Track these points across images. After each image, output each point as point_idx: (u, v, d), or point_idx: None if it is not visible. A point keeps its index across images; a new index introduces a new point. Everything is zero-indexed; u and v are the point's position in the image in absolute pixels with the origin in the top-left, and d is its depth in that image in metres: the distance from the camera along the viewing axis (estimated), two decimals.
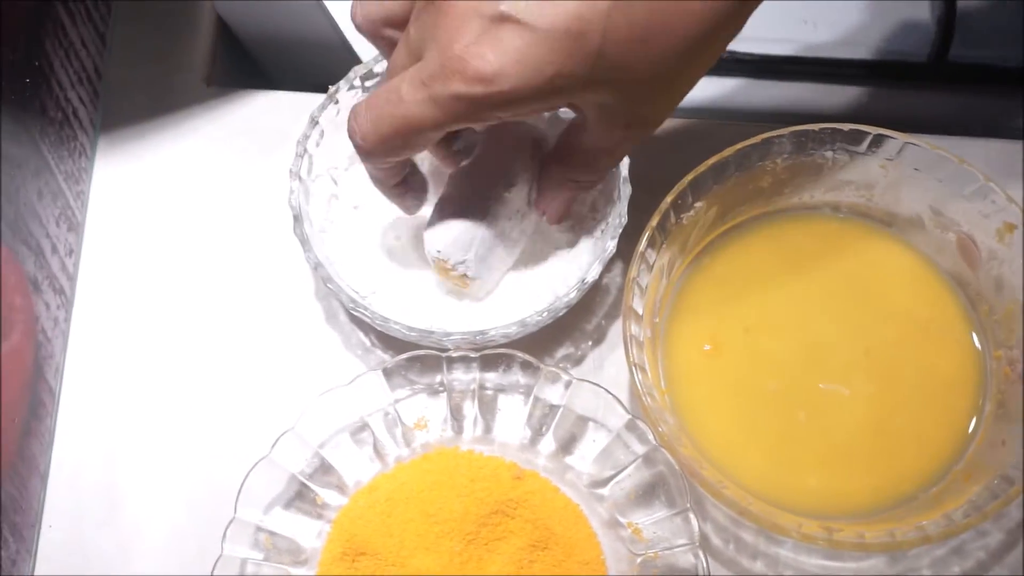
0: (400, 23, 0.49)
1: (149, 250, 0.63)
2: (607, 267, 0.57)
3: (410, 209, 0.57)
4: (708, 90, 0.65)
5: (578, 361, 0.60)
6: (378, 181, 0.54)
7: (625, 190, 0.56)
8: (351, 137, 0.49)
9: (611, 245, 0.55)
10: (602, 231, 0.58)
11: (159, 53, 0.66)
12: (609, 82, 0.45)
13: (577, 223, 0.59)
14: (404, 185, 0.55)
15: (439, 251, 0.55)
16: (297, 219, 0.56)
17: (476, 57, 0.44)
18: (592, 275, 0.55)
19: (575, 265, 0.58)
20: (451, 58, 0.44)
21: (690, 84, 0.47)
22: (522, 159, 0.55)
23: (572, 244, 0.59)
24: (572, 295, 0.55)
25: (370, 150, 0.49)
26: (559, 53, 0.44)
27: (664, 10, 0.43)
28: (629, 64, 0.44)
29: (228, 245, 0.63)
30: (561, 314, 0.56)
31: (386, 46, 0.50)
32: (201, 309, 0.62)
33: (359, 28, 0.50)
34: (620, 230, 0.56)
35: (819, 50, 0.65)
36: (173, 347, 0.61)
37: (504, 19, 0.43)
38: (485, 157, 0.55)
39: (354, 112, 0.49)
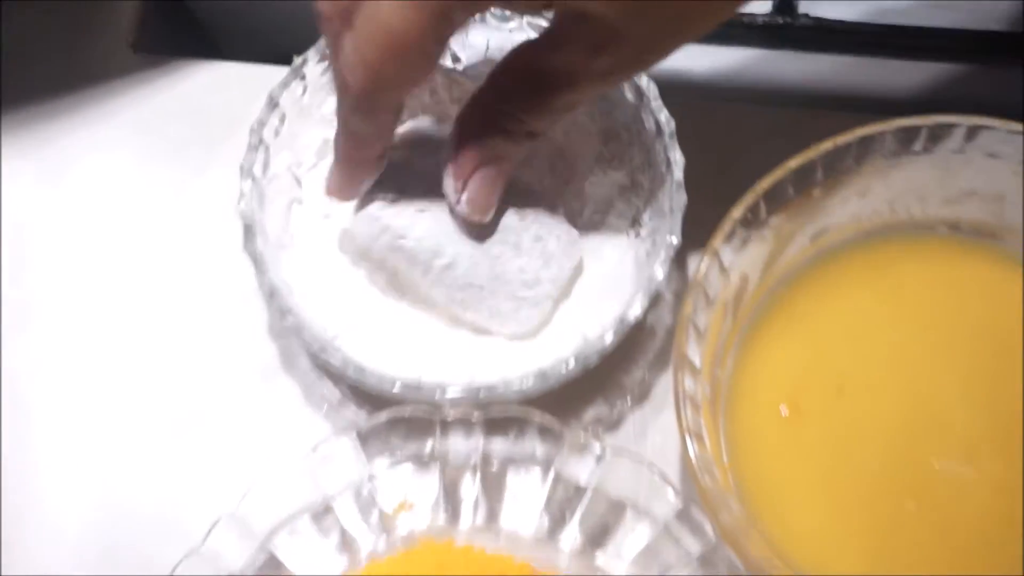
0: None
1: (58, 265, 0.64)
2: (654, 302, 0.57)
3: (353, 192, 0.57)
4: (776, 67, 0.66)
5: (614, 426, 0.60)
6: (359, 143, 0.54)
7: (678, 200, 0.56)
8: (339, 78, 0.50)
9: (659, 273, 0.55)
10: (647, 254, 0.57)
11: (71, 10, 0.67)
12: None
13: (612, 243, 0.59)
14: (382, 159, 0.56)
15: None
16: (248, 231, 0.56)
17: None
18: (634, 312, 0.55)
19: (612, 299, 0.58)
20: None
21: (700, 24, 0.49)
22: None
23: (608, 271, 0.59)
24: (607, 338, 0.55)
25: (362, 88, 0.50)
26: None
27: None
28: None
29: (158, 263, 0.63)
30: (593, 363, 0.56)
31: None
32: (121, 348, 0.62)
33: None
34: (672, 253, 0.55)
35: (925, 15, 0.66)
36: (82, 396, 0.61)
37: None
38: None
39: (337, 45, 0.50)
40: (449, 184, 0.55)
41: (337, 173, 0.56)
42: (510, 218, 0.57)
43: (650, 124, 0.58)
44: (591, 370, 0.56)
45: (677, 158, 0.56)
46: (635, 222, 0.59)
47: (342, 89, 0.51)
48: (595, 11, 0.47)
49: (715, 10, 0.48)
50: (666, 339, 0.61)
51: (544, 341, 0.57)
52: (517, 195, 0.57)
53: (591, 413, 0.60)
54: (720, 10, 0.48)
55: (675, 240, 0.55)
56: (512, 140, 0.54)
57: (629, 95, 0.59)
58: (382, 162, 0.56)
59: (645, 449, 0.58)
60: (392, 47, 0.48)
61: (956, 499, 0.55)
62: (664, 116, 0.57)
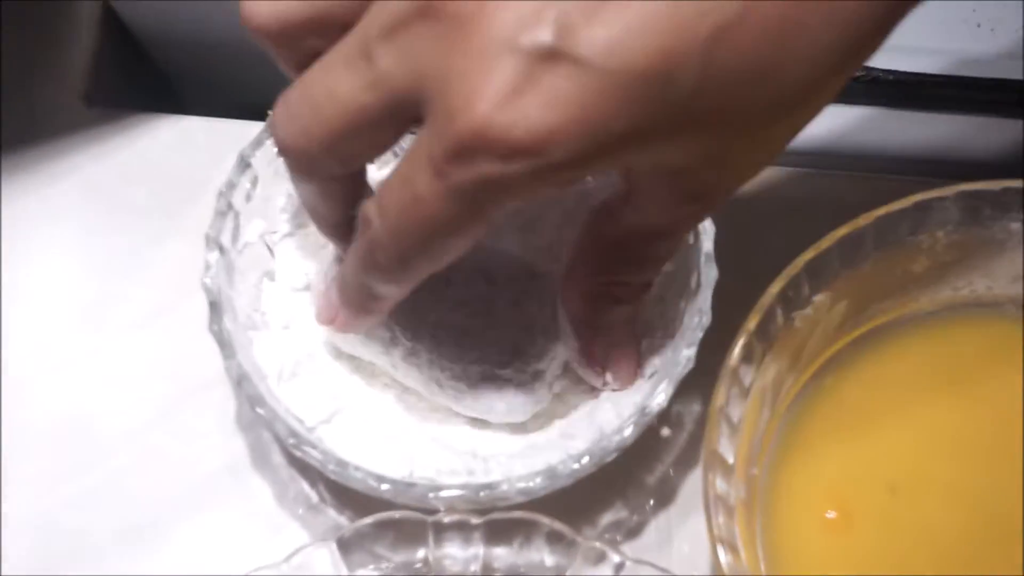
0: (335, 29, 0.47)
1: None
2: (680, 390, 0.56)
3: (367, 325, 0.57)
4: (824, 125, 0.65)
5: (634, 532, 0.60)
6: (317, 217, 0.54)
7: (708, 274, 0.56)
8: (363, 248, 0.49)
9: (687, 357, 0.55)
10: (673, 336, 0.57)
11: (14, 56, 0.67)
12: (694, 133, 0.44)
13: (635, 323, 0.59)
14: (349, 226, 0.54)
15: None
16: (214, 309, 0.56)
17: (515, 119, 0.42)
18: (658, 402, 0.54)
19: (633, 386, 0.57)
20: (475, 122, 0.42)
21: (804, 123, 0.47)
22: None
23: None
24: (627, 432, 0.54)
25: (391, 265, 0.49)
26: (634, 103, 0.42)
27: (798, 21, 0.42)
28: (732, 108, 0.44)
29: (111, 344, 0.63)
30: (609, 460, 0.55)
31: (301, 61, 0.49)
32: (68, 440, 0.61)
33: (263, 31, 0.49)
34: (701, 335, 0.55)
35: (987, 67, 0.66)
36: (27, 498, 0.61)
37: (554, 56, 0.42)
38: None
39: (362, 215, 0.48)
40: (590, 375, 0.57)
41: (343, 311, 0.55)
42: (478, 284, 0.57)
43: None
44: (608, 467, 0.55)
45: (707, 227, 0.56)
46: (659, 298, 0.59)
47: (363, 258, 0.50)
48: (679, 164, 0.46)
49: (816, 112, 0.47)
50: (695, 432, 0.60)
51: (553, 434, 0.57)
52: (486, 255, 0.57)
53: (608, 517, 0.59)
54: (798, 123, 0.47)
55: (705, 320, 0.55)
56: (629, 302, 0.55)
57: None
58: None
59: (670, 560, 0.58)
60: (423, 234, 0.47)
61: None
62: None
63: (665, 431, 0.61)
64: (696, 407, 0.61)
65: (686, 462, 0.60)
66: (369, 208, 0.48)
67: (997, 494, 0.56)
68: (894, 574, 0.55)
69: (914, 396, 0.58)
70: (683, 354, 0.55)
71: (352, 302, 0.54)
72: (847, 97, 0.66)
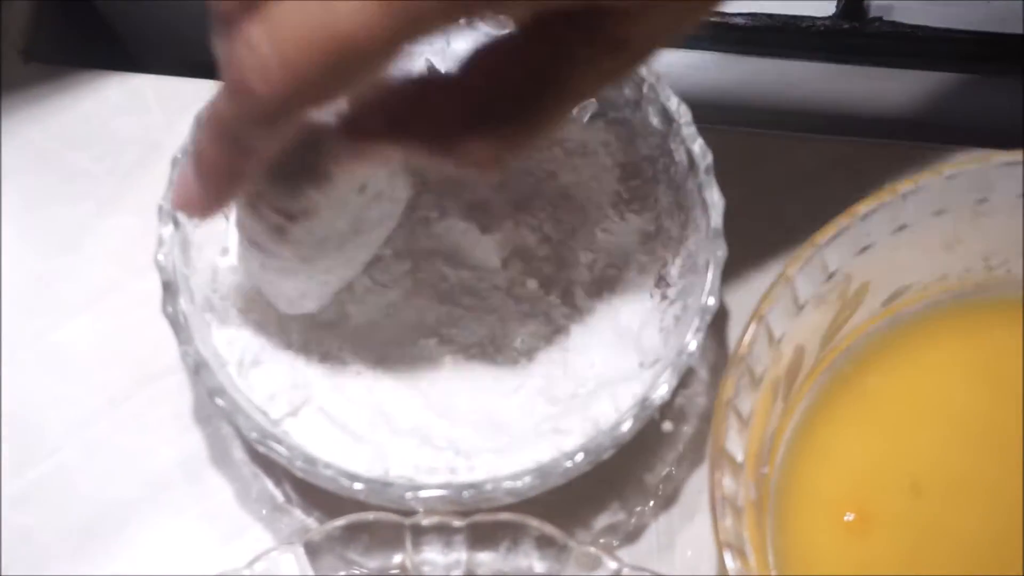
0: None
1: None
2: (684, 380, 0.57)
3: (215, 211, 0.54)
4: (841, 83, 0.67)
5: (632, 536, 0.60)
6: (242, 155, 0.51)
7: (716, 252, 0.56)
8: (235, 76, 0.47)
9: (692, 343, 0.55)
10: (676, 320, 0.58)
11: None
12: None
13: (632, 306, 0.59)
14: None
15: None
16: (169, 289, 0.56)
17: None
18: (660, 393, 0.55)
19: (631, 376, 0.58)
20: None
21: None
22: None
23: (627, 340, 0.59)
24: (626, 426, 0.54)
25: (274, 94, 0.47)
26: None
27: None
28: None
29: (53, 326, 0.63)
30: (606, 457, 0.55)
31: None
32: (10, 427, 0.62)
33: None
34: (708, 319, 0.55)
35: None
36: None
37: None
38: None
39: (240, 37, 0.47)
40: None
41: (199, 186, 0.53)
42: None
43: (681, 156, 0.58)
44: (604, 465, 0.56)
45: (715, 199, 0.56)
46: (661, 280, 0.59)
47: (237, 91, 0.48)
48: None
49: None
50: (700, 427, 0.61)
51: (544, 428, 0.57)
52: None
53: (603, 520, 0.60)
54: None
55: (712, 302, 0.55)
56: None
57: (655, 120, 0.59)
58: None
59: (673, 566, 0.58)
60: (329, 50, 0.46)
61: None
62: (699, 146, 0.57)
63: (667, 425, 0.61)
64: (701, 399, 0.61)
65: (690, 459, 0.60)
66: (253, 32, 0.46)
67: None
68: None
69: (943, 388, 0.58)
70: (687, 340, 0.55)
71: (213, 165, 0.52)
72: (863, 55, 0.66)
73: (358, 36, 0.45)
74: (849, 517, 0.56)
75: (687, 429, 0.61)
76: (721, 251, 0.56)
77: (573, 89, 0.51)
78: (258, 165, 0.52)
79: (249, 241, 0.55)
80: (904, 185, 0.55)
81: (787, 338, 0.54)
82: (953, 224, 0.56)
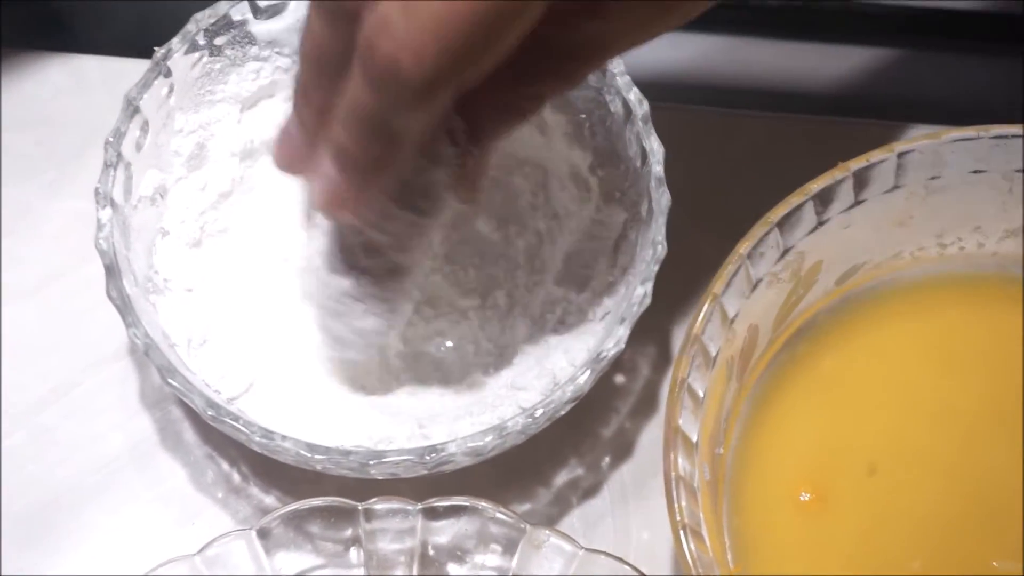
0: None
1: None
2: (633, 332, 0.56)
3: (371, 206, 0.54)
4: (794, 60, 0.67)
5: (590, 492, 0.61)
6: (392, 144, 0.51)
7: (660, 200, 0.57)
8: (381, 64, 0.47)
9: (642, 294, 0.56)
10: (625, 271, 0.58)
11: None
12: None
13: (580, 259, 0.60)
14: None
15: None
16: (111, 272, 0.56)
17: None
18: (614, 345, 0.55)
19: (583, 330, 0.59)
20: None
21: None
22: None
23: (576, 296, 0.59)
24: (582, 379, 0.55)
25: (429, 70, 0.46)
26: None
27: None
28: None
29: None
30: (564, 412, 0.56)
31: None
32: None
33: None
34: (656, 268, 0.56)
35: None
36: None
37: None
38: None
39: (376, 22, 0.46)
40: (464, 187, 0.55)
41: (346, 184, 0.52)
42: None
43: (616, 107, 0.59)
44: (560, 421, 0.56)
45: (654, 147, 0.57)
46: (600, 224, 0.60)
47: (384, 77, 0.47)
48: None
49: None
50: (651, 378, 0.61)
51: (500, 387, 0.58)
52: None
53: (563, 476, 0.60)
54: None
55: (660, 251, 0.56)
56: (526, 119, 0.54)
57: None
58: None
59: (628, 549, 0.58)
60: (478, 15, 0.45)
61: None
62: (634, 95, 0.58)
63: (619, 378, 0.61)
64: (651, 349, 0.61)
65: (643, 412, 0.61)
66: (391, 14, 0.46)
67: (984, 474, 0.56)
68: (871, 559, 0.55)
69: (897, 367, 0.58)
70: (638, 292, 0.55)
71: (360, 160, 0.51)
72: (816, 32, 0.67)
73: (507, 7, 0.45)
74: (805, 496, 0.56)
75: (639, 381, 0.61)
76: (665, 199, 0.56)
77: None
78: (406, 154, 0.51)
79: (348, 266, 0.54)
80: (856, 162, 0.55)
81: (741, 317, 0.55)
82: (906, 201, 0.56)
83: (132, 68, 0.63)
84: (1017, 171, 0.56)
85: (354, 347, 0.57)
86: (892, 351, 0.58)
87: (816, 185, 0.55)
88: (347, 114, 0.49)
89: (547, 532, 0.55)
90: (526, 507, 0.59)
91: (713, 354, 0.54)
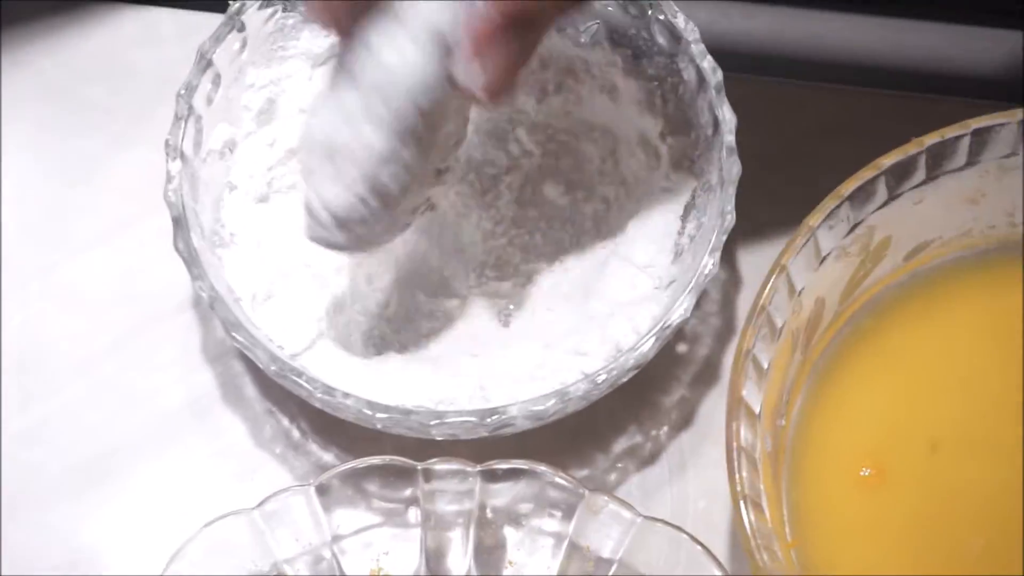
0: None
1: None
2: (697, 302, 0.56)
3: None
4: (869, 34, 0.66)
5: (648, 460, 0.61)
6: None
7: (730, 169, 0.57)
8: (476, 80, 0.49)
9: (709, 264, 0.55)
10: (691, 239, 0.58)
11: None
12: None
13: (646, 227, 0.60)
14: None
15: None
16: (179, 224, 0.56)
17: None
18: (679, 314, 0.55)
19: (648, 299, 0.59)
20: None
21: None
22: None
23: (642, 263, 0.59)
24: (646, 347, 0.55)
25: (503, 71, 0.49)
26: None
27: None
28: None
29: (63, 263, 0.63)
30: (626, 379, 0.55)
31: None
32: (16, 373, 0.61)
33: None
34: (724, 238, 0.56)
35: None
36: None
37: None
38: None
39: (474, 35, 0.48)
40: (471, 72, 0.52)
41: (505, 76, 0.51)
42: None
43: (690, 75, 0.59)
44: (621, 389, 0.56)
45: (726, 116, 0.57)
46: (674, 196, 0.60)
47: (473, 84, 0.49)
48: None
49: None
50: (714, 348, 0.61)
51: (563, 352, 0.58)
52: None
53: (622, 444, 0.60)
54: None
55: (729, 220, 0.56)
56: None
57: (661, 39, 0.59)
58: None
59: (686, 518, 0.58)
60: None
61: None
62: (708, 63, 0.58)
63: (681, 347, 0.61)
64: (714, 320, 0.61)
65: (704, 381, 0.61)
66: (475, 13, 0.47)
67: None
68: (930, 536, 0.55)
69: (963, 346, 0.58)
70: (704, 261, 0.55)
71: (513, 54, 0.50)
72: (887, 6, 0.66)
73: None
74: (865, 472, 0.56)
75: (701, 351, 0.61)
76: (736, 168, 0.56)
77: None
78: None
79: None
80: (930, 137, 0.55)
81: (808, 290, 0.55)
82: (978, 179, 0.56)
83: (205, 21, 0.63)
84: None
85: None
86: (958, 329, 0.58)
87: (888, 160, 0.55)
88: (501, 14, 0.48)
89: (605, 498, 0.55)
90: (584, 473, 0.59)
91: (779, 326, 0.54)
